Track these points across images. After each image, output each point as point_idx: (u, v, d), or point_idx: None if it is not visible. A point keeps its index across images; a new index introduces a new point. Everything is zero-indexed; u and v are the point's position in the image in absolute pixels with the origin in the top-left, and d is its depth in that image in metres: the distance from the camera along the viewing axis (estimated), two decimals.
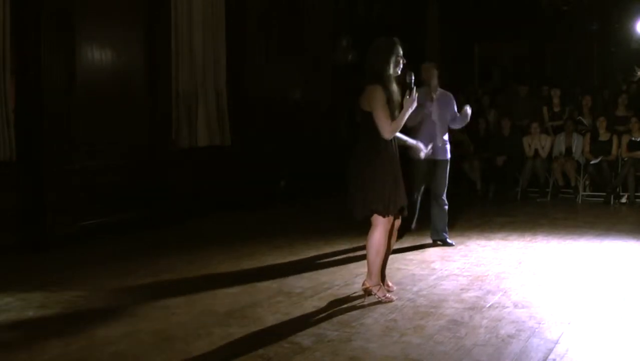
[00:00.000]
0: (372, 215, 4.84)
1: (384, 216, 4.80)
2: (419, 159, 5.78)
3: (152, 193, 8.07)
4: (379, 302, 4.82)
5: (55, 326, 4.43)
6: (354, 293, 5.09)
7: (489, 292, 5.15)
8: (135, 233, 7.49)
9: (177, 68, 8.52)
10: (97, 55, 7.43)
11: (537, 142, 10.78)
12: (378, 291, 4.86)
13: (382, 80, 4.75)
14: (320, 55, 11.06)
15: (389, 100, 4.74)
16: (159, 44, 8.18)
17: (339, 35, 11.50)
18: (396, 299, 4.91)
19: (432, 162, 6.56)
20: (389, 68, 4.79)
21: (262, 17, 9.93)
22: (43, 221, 6.85)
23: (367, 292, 4.88)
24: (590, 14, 14.03)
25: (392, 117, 4.75)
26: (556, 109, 11.50)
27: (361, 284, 4.98)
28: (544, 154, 10.72)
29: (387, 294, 4.92)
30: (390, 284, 5.16)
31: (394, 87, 4.81)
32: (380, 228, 4.81)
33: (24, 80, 6.89)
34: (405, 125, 4.99)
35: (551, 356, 3.80)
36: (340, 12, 11.68)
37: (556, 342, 4.02)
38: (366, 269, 4.94)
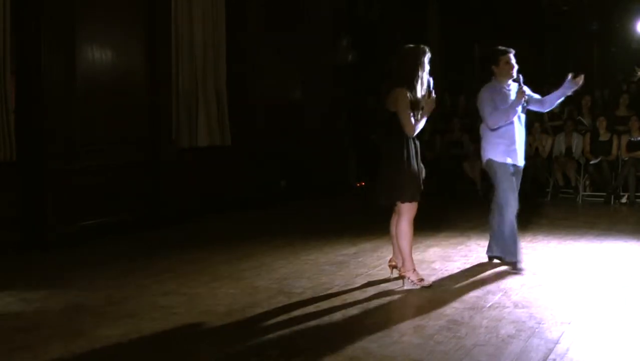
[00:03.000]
0: (397, 203, 5.18)
1: (410, 203, 5.14)
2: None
3: (152, 193, 8.07)
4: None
5: (55, 326, 4.42)
6: (354, 293, 5.10)
7: (489, 292, 5.15)
8: (135, 233, 7.49)
9: (177, 68, 8.53)
10: (97, 55, 7.43)
11: (538, 142, 10.78)
12: (412, 275, 5.22)
13: (408, 83, 5.07)
14: (320, 55, 11.06)
15: (414, 102, 5.07)
16: (159, 44, 8.18)
17: (339, 35, 11.49)
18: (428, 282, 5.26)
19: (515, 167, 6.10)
20: (417, 73, 5.11)
21: (262, 17, 9.92)
22: (43, 221, 6.86)
23: (402, 277, 5.24)
24: (590, 14, 14.01)
25: (415, 118, 5.08)
26: (555, 109, 11.47)
27: (398, 271, 5.30)
28: (544, 154, 10.72)
29: (423, 279, 5.26)
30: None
31: (421, 90, 5.12)
32: (406, 216, 5.18)
33: (24, 80, 6.90)
34: None
35: (551, 356, 3.80)
36: (340, 12, 11.68)
37: (556, 342, 4.02)
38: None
